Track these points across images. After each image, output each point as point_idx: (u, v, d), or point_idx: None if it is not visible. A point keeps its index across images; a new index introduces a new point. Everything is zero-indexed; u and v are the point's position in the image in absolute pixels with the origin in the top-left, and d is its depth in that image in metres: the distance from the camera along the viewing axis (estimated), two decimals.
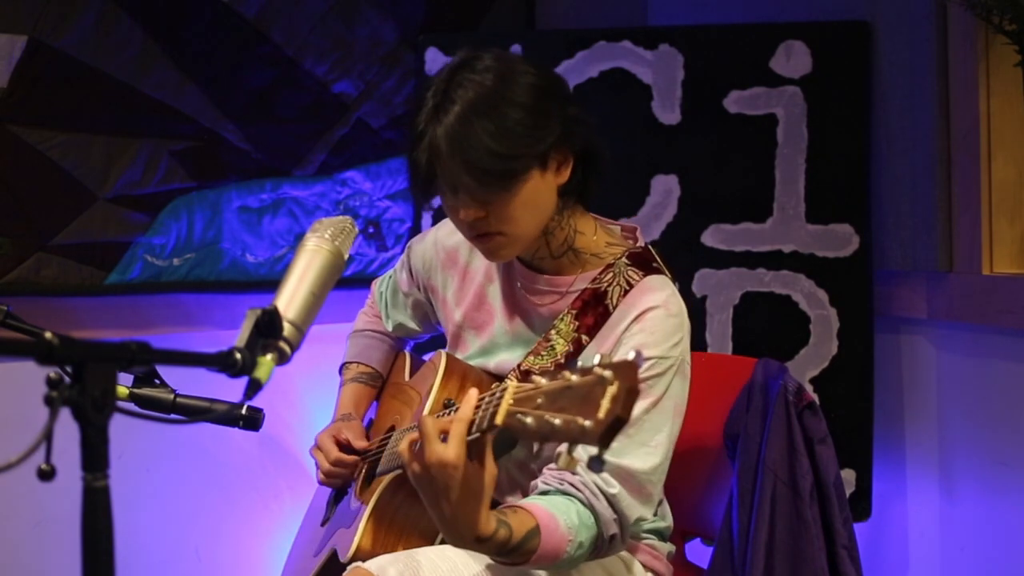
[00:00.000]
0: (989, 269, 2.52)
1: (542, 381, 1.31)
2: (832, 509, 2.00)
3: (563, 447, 1.27)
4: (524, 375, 1.76)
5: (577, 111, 1.75)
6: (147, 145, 2.75)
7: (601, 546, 1.68)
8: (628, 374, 1.21)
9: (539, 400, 1.29)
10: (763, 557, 1.97)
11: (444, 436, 1.46)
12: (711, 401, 2.07)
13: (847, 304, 2.70)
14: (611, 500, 1.66)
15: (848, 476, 2.65)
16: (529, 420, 1.29)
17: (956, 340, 2.64)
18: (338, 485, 2.03)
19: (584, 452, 1.27)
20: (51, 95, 2.64)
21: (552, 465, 1.71)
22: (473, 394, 1.49)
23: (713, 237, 2.77)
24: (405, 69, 3.01)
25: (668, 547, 1.95)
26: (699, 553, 2.24)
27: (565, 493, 1.66)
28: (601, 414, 1.20)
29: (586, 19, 3.19)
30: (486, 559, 1.69)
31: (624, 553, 1.86)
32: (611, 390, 1.20)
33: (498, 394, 1.41)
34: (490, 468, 1.49)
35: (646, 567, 1.88)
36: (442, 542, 1.77)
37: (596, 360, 1.25)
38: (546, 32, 3.13)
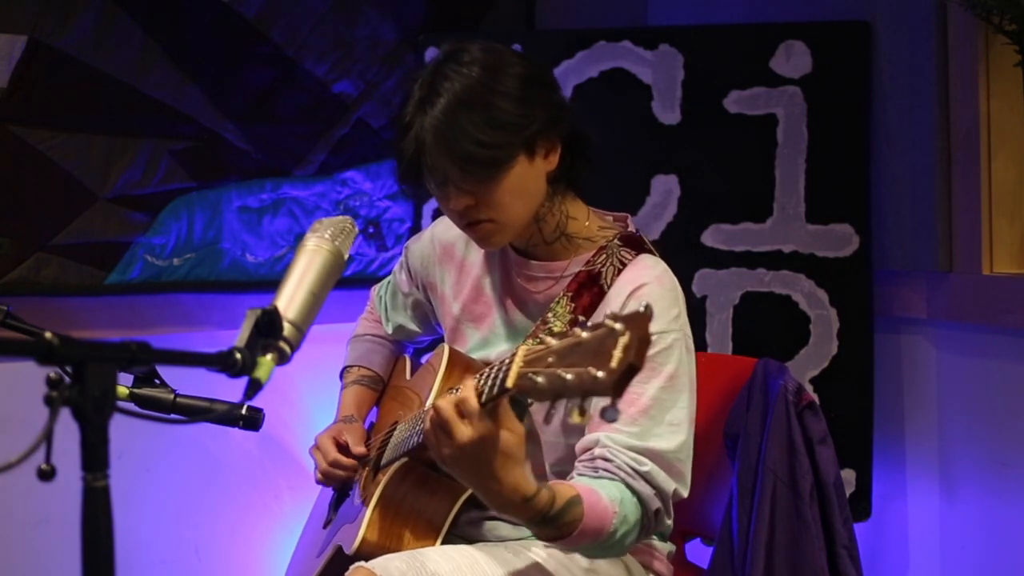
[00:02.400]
0: (989, 269, 2.52)
1: (552, 341, 1.31)
2: (832, 509, 2.00)
3: (574, 403, 1.25)
4: None
5: (562, 98, 1.78)
6: (147, 145, 2.75)
7: (648, 523, 1.68)
8: (639, 324, 1.21)
9: (550, 359, 1.29)
10: (763, 557, 1.97)
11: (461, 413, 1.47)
12: (711, 401, 2.07)
13: (847, 304, 2.70)
14: (646, 477, 1.66)
15: (848, 476, 2.65)
16: (540, 379, 1.28)
17: (956, 340, 2.64)
18: (334, 485, 2.03)
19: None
20: (51, 95, 2.64)
21: (581, 458, 1.70)
22: (470, 381, 1.50)
23: (713, 237, 2.77)
24: (405, 69, 3.00)
25: (668, 547, 1.95)
26: (699, 553, 2.24)
27: (601, 479, 1.66)
28: (614, 363, 1.19)
29: (586, 19, 3.19)
30: (491, 559, 1.70)
31: (634, 563, 1.86)
32: (623, 340, 1.20)
33: (508, 359, 1.41)
34: (515, 428, 1.49)
35: (647, 567, 1.88)
36: (447, 536, 1.78)
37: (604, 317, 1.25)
38: (546, 32, 3.13)
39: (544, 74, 1.79)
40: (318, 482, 2.04)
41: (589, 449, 1.69)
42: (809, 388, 2.65)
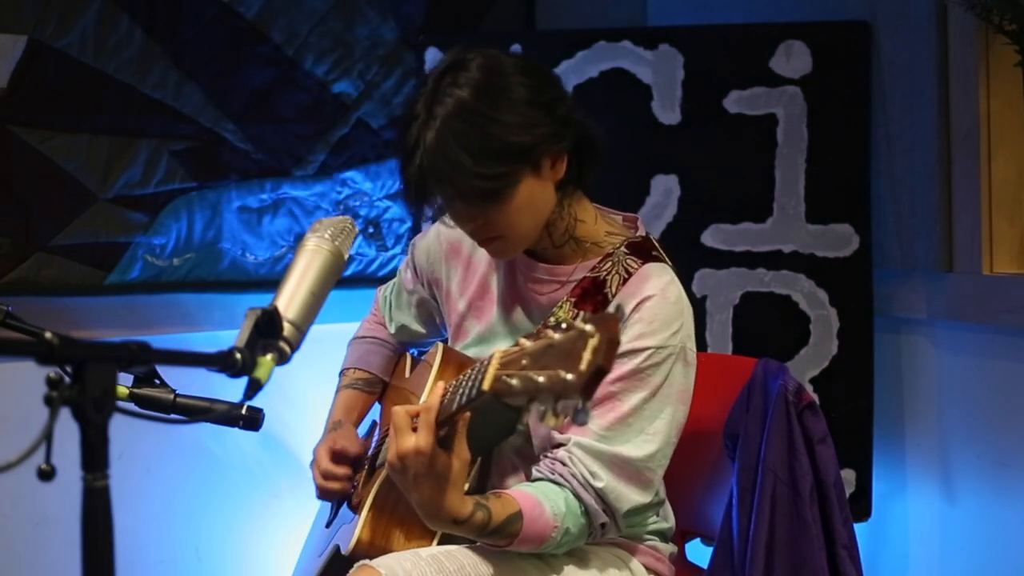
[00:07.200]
0: (989, 269, 2.52)
1: (527, 343, 1.33)
2: (832, 509, 2.00)
3: (547, 405, 1.27)
4: None
5: (567, 110, 1.72)
6: (147, 145, 2.75)
7: (593, 532, 1.72)
8: (609, 326, 1.22)
9: (524, 361, 1.31)
10: (763, 557, 1.97)
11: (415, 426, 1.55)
12: (711, 401, 2.07)
13: (847, 304, 2.70)
14: (599, 493, 1.68)
15: (848, 476, 2.65)
16: (515, 381, 1.30)
17: (956, 340, 2.64)
18: (335, 497, 2.02)
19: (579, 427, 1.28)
20: (51, 95, 2.63)
21: (547, 453, 1.73)
22: (440, 385, 1.58)
23: (713, 237, 2.77)
24: (405, 69, 3.01)
25: (670, 548, 1.95)
26: (699, 553, 2.24)
27: (556, 483, 1.69)
28: (583, 366, 1.20)
29: (586, 19, 3.19)
30: (494, 560, 1.71)
31: (626, 555, 1.86)
32: (592, 342, 1.21)
33: (486, 362, 1.43)
34: (461, 454, 1.56)
35: (648, 569, 1.88)
36: (442, 537, 1.78)
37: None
38: (546, 32, 3.13)
39: (547, 89, 1.72)
40: (318, 497, 2.02)
41: (557, 446, 1.72)
42: (809, 388, 2.65)
